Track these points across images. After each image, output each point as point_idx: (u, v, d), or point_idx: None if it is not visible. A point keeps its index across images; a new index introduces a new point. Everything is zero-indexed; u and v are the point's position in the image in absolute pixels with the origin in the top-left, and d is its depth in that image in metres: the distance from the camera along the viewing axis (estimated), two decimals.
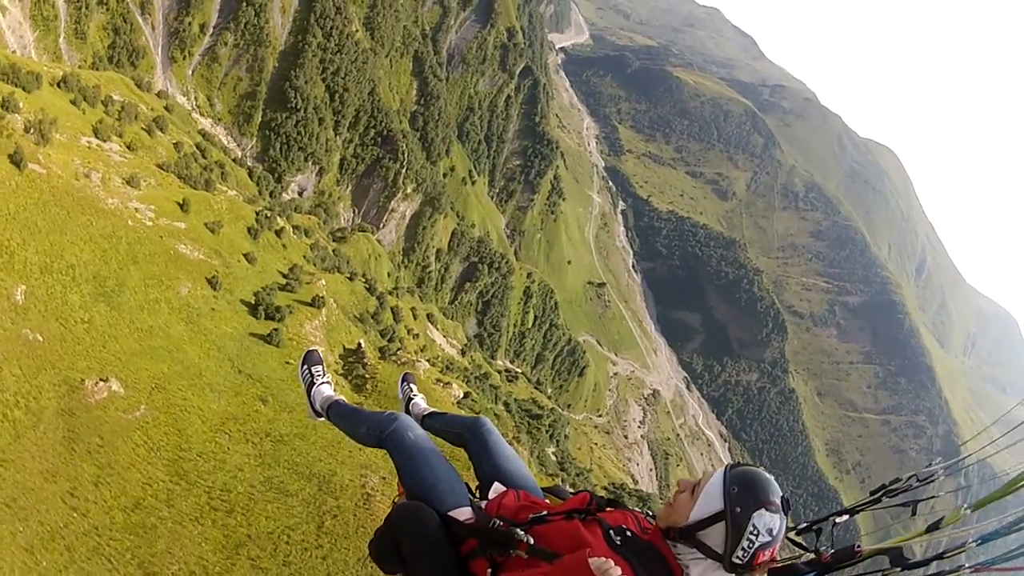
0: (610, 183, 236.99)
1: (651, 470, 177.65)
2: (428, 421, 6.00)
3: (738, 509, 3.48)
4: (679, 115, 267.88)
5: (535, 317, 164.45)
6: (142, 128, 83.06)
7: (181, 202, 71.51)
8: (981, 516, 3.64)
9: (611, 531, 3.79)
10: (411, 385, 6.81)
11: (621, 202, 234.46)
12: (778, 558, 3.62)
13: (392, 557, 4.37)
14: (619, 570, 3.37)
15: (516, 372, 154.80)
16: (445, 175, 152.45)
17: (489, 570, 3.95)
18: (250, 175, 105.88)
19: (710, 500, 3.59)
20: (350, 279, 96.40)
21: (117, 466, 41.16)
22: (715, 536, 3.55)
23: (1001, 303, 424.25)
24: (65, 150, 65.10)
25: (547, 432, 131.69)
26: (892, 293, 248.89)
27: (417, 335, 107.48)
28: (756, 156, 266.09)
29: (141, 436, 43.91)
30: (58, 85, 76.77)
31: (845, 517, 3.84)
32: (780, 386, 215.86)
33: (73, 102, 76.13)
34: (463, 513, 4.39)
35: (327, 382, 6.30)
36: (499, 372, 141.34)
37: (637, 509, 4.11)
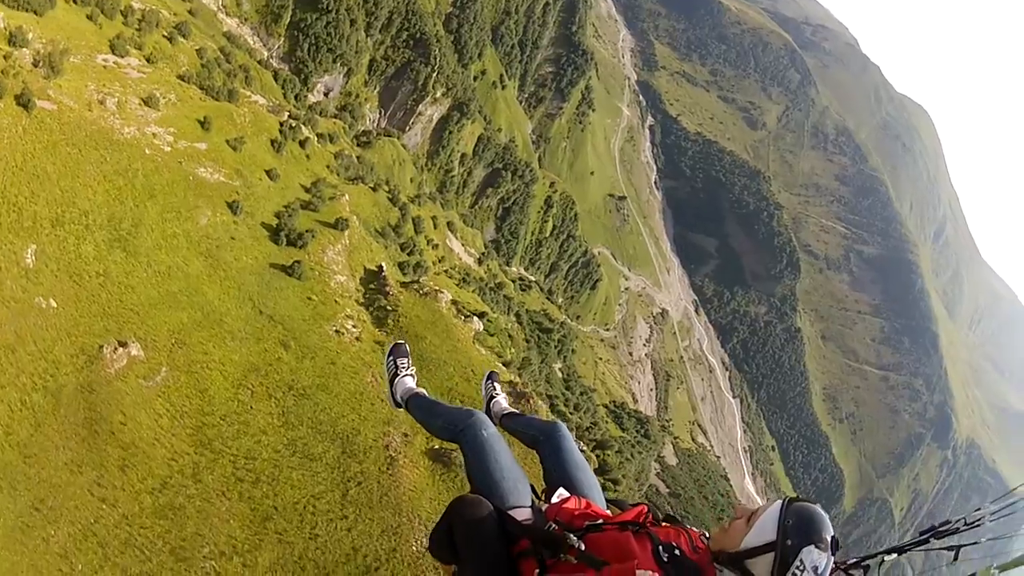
0: (641, 97, 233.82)
1: (651, 390, 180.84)
2: (506, 421, 6.33)
3: (789, 542, 3.54)
4: (717, 39, 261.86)
5: (553, 226, 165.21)
6: (163, 36, 77.81)
7: (202, 120, 68.87)
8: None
9: (660, 547, 3.89)
10: (495, 384, 7.10)
11: (650, 117, 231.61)
12: None
13: (448, 548, 4.49)
14: None
15: (530, 280, 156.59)
16: (476, 78, 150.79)
17: (537, 571, 4.06)
18: (275, 78, 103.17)
19: (764, 529, 3.66)
20: (373, 190, 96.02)
21: (142, 443, 40.99)
22: (762, 566, 3.64)
23: (1013, 286, 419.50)
24: (79, 74, 61.65)
25: (555, 347, 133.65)
26: (908, 252, 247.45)
27: (436, 245, 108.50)
28: (791, 91, 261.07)
29: (163, 404, 43.79)
30: (73, 1, 70.72)
31: (894, 556, 3.91)
32: (787, 323, 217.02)
33: (90, 17, 70.42)
34: (522, 513, 4.53)
35: (410, 374, 6.54)
36: (513, 281, 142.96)
37: (694, 528, 4.19)
